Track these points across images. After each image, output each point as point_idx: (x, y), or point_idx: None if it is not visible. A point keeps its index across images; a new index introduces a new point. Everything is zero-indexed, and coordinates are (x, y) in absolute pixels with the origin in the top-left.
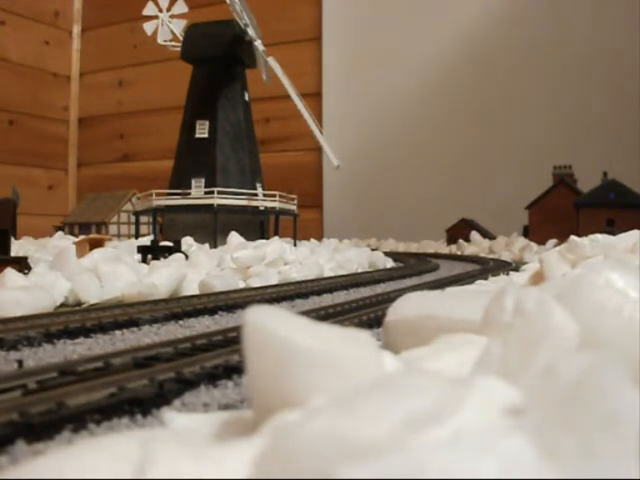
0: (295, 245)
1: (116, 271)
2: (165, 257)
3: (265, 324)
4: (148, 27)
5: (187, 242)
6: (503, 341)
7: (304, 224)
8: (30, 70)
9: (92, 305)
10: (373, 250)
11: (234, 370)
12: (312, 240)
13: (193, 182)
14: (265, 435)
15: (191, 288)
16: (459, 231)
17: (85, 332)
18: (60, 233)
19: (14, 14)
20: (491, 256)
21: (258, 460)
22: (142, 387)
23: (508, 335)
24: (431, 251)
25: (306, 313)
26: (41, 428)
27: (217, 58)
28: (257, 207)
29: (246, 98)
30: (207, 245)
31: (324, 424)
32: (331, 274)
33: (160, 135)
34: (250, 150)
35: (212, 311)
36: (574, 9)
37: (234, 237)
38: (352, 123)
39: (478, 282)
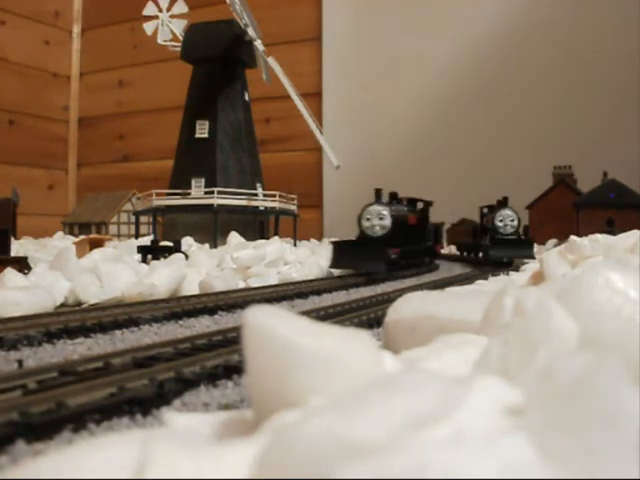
0: (295, 245)
1: (116, 271)
2: (165, 257)
3: (265, 324)
4: (148, 27)
5: (187, 242)
6: (503, 341)
7: (304, 224)
8: (30, 70)
9: (92, 305)
10: None
11: (234, 370)
12: (312, 240)
13: (193, 182)
14: (265, 435)
15: (191, 288)
16: (459, 231)
17: (85, 332)
18: (60, 233)
19: (14, 14)
20: None
21: (258, 460)
22: (142, 387)
23: (508, 335)
24: None
25: (306, 313)
26: (41, 428)
27: (217, 58)
28: (257, 207)
29: (246, 98)
30: (207, 245)
31: (324, 424)
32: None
33: (160, 135)
34: (250, 150)
35: (212, 311)
36: (575, 12)
37: (234, 237)
38: (352, 123)
39: (478, 282)
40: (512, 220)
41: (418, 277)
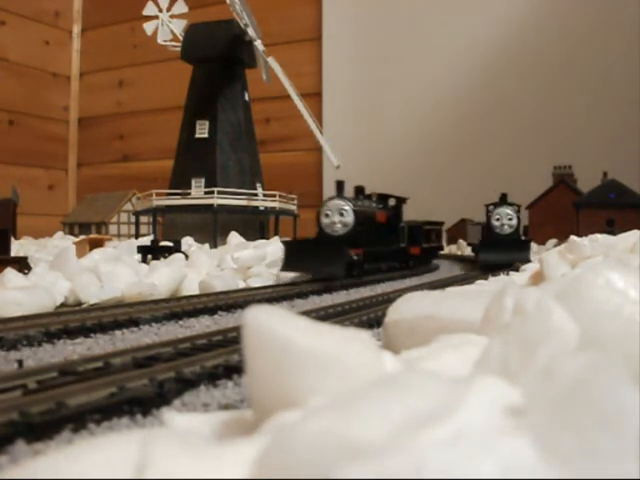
0: None
1: (116, 271)
2: (165, 257)
3: (265, 324)
4: (148, 27)
5: (187, 242)
6: (503, 341)
7: (304, 224)
8: (30, 70)
9: (92, 305)
10: None
11: (234, 370)
12: None
13: (193, 182)
14: (265, 435)
15: (191, 288)
16: (459, 231)
17: (85, 332)
18: (60, 233)
19: (14, 14)
20: None
21: (258, 460)
22: (142, 387)
23: (508, 335)
24: None
25: (306, 313)
26: (41, 428)
27: (217, 58)
28: (257, 207)
29: (246, 98)
30: (207, 245)
31: (324, 424)
32: None
33: (160, 135)
34: (250, 150)
35: (212, 311)
36: (574, 12)
37: (234, 237)
38: (352, 123)
39: (478, 282)
40: (510, 219)
41: (418, 277)
